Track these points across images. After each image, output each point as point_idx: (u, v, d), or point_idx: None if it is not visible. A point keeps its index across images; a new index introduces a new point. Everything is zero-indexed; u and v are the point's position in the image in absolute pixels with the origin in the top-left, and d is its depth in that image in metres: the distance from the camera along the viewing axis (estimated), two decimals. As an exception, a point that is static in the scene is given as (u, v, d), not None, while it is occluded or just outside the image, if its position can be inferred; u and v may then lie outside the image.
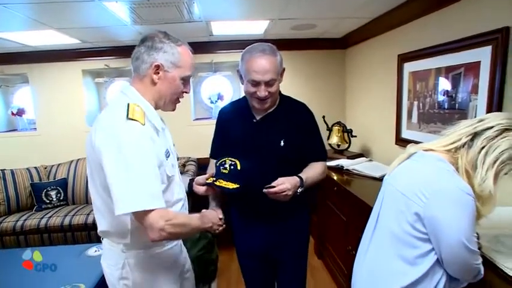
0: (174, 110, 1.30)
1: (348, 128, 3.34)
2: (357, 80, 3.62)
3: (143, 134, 1.09)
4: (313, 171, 1.53)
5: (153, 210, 1.06)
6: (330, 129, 3.42)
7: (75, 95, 3.78)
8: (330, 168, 2.82)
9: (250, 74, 1.41)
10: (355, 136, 3.28)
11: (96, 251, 2.33)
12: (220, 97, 3.86)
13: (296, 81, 3.85)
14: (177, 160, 1.40)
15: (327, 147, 3.45)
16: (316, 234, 3.12)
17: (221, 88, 3.97)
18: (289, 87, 3.70)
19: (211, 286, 2.66)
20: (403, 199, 1.03)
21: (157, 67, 1.16)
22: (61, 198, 3.48)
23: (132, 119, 1.08)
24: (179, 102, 1.29)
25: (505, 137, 0.96)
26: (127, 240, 1.19)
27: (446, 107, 2.12)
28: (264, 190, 1.36)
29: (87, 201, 3.53)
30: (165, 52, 1.16)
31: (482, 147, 0.97)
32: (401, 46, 2.57)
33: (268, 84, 1.42)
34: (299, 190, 1.42)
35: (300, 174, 1.46)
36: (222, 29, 3.11)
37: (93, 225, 2.98)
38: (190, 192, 1.51)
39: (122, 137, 1.05)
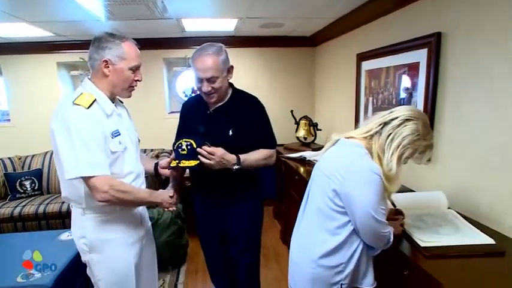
0: (129, 96, 1.52)
1: (315, 122, 3.53)
2: (324, 77, 3.82)
3: (85, 116, 1.31)
4: (255, 154, 1.69)
5: (96, 176, 1.29)
6: (297, 123, 3.60)
7: (50, 87, 3.82)
8: (294, 159, 3.01)
9: (195, 71, 1.61)
10: (321, 130, 3.48)
11: (68, 235, 2.36)
12: (194, 91, 3.97)
13: (267, 77, 4.02)
14: (139, 141, 1.63)
15: (295, 140, 3.65)
16: (283, 221, 3.32)
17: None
18: (260, 82, 3.93)
19: (180, 269, 2.81)
20: (326, 180, 1.21)
21: (106, 62, 1.39)
22: (36, 187, 3.55)
23: (77, 104, 1.31)
24: (133, 89, 1.51)
25: (406, 125, 1.15)
26: (83, 205, 1.41)
27: (394, 102, 2.34)
28: (203, 146, 1.55)
29: (62, 190, 3.60)
30: (110, 49, 1.38)
31: (389, 135, 1.17)
32: (360, 46, 2.77)
33: (210, 80, 1.59)
34: (235, 167, 1.60)
35: (239, 155, 1.63)
36: (193, 26, 3.22)
37: (67, 213, 3.07)
38: (157, 175, 1.74)
39: (67, 118, 1.30)
